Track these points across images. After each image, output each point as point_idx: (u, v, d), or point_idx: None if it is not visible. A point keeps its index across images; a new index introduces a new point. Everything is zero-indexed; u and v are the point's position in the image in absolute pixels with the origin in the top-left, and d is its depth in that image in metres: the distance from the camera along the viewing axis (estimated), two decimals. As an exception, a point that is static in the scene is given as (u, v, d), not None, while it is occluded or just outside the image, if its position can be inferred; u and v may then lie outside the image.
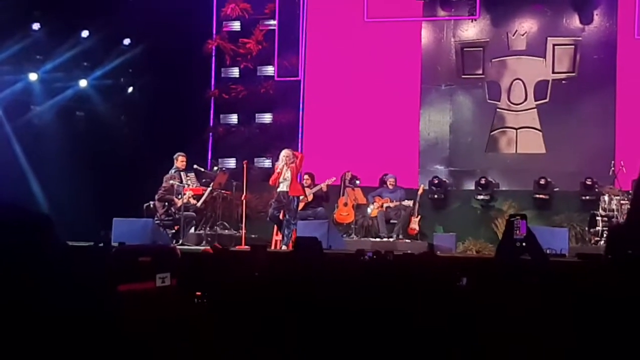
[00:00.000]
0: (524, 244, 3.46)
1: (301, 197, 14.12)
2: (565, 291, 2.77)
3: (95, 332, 2.15)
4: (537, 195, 15.90)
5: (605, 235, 13.15)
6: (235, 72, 18.08)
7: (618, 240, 2.68)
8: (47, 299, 2.07)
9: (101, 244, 6.66)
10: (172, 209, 14.02)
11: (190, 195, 14.15)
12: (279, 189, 13.67)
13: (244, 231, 14.40)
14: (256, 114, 17.90)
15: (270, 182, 13.91)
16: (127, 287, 3.18)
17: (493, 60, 16.95)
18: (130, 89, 16.77)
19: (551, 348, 2.46)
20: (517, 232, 3.49)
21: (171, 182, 13.97)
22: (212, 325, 3.08)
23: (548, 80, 16.63)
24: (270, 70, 17.84)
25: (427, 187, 16.07)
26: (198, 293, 4.15)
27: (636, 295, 2.32)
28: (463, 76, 17.11)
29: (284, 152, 13.84)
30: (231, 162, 17.50)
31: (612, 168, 14.48)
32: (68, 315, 2.08)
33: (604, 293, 2.41)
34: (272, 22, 17.87)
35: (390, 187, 15.35)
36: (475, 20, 17.06)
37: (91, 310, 2.18)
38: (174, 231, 14.03)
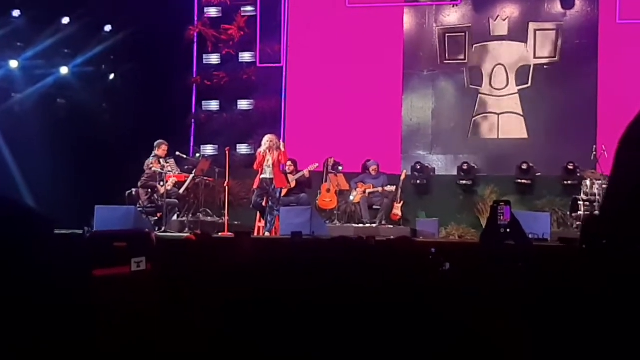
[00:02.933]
0: (508, 229, 3.48)
1: (285, 186, 14.14)
2: (547, 276, 2.78)
3: (71, 316, 2.14)
4: (520, 180, 15.96)
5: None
6: (217, 58, 18.00)
7: (592, 231, 2.69)
8: (24, 286, 2.06)
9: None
10: (155, 195, 13.99)
11: (173, 182, 14.11)
12: (262, 176, 13.67)
13: (226, 218, 14.39)
14: (238, 101, 17.84)
15: (255, 167, 13.89)
16: (102, 271, 3.17)
17: (475, 45, 16.97)
18: (111, 76, 16.67)
19: (532, 334, 2.47)
20: (501, 217, 3.50)
21: (153, 168, 13.93)
22: (191, 310, 3.07)
23: (530, 65, 16.68)
24: (252, 56, 17.78)
25: (409, 173, 16.08)
26: (176, 278, 4.14)
27: (609, 286, 2.34)
28: (445, 61, 17.12)
29: (268, 137, 13.83)
30: (213, 149, 17.48)
31: (594, 152, 14.50)
32: (44, 301, 2.07)
33: (579, 284, 2.42)
34: (253, 8, 17.81)
35: (373, 173, 15.34)
36: (457, 5, 17.10)
37: (66, 295, 2.18)
38: (156, 218, 14.01)
